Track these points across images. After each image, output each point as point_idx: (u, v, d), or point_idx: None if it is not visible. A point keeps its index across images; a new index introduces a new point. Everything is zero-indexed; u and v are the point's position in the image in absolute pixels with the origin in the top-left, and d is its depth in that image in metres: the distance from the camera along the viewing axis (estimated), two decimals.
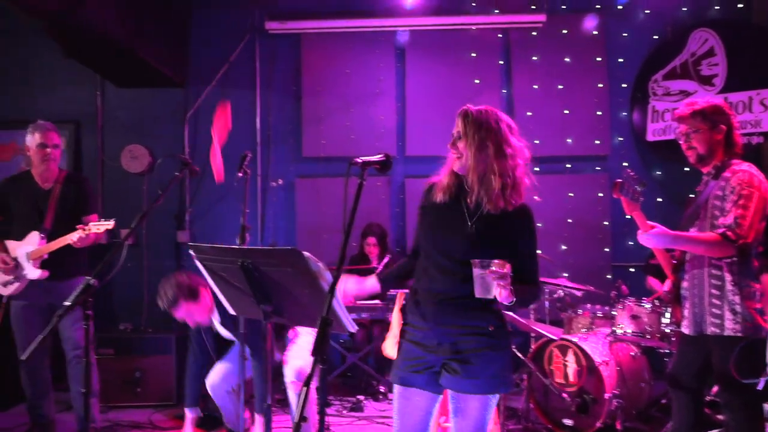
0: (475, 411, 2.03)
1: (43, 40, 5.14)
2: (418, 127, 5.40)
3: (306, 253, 1.79)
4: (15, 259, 3.56)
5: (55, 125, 3.70)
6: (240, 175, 3.30)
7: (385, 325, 4.62)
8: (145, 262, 5.43)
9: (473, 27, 5.38)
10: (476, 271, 1.92)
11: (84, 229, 3.36)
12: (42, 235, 3.53)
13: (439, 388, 2.10)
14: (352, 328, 1.92)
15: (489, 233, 2.04)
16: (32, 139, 3.60)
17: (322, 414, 1.72)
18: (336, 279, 1.73)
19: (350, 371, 5.01)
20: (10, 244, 3.61)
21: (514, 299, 1.92)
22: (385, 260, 4.63)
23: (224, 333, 3.48)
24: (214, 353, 3.58)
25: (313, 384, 1.56)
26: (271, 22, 5.36)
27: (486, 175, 2.05)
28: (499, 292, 1.89)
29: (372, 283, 2.26)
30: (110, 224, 3.37)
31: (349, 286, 2.23)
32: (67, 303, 2.10)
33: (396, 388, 2.15)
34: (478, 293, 1.93)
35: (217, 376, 3.55)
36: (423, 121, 5.38)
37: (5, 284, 3.59)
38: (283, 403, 4.42)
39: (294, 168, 5.54)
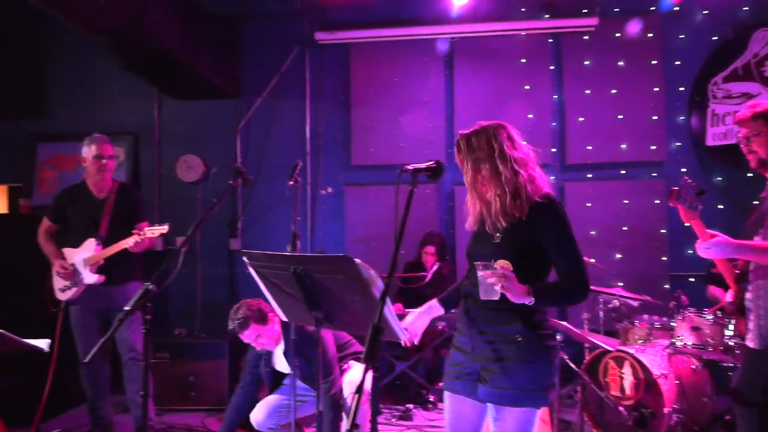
0: (508, 424, 1.99)
1: (104, 56, 5.38)
2: None
3: (357, 260, 1.80)
4: (72, 265, 3.73)
5: (109, 138, 3.87)
6: (291, 183, 3.34)
7: (436, 334, 4.60)
8: (199, 269, 5.57)
9: (522, 33, 5.32)
10: (479, 273, 1.93)
11: (139, 234, 3.49)
12: (98, 241, 3.69)
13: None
14: (403, 336, 1.92)
15: (513, 242, 2.02)
16: (89, 151, 3.77)
17: (374, 421, 1.72)
18: (387, 287, 1.74)
19: (399, 379, 5.00)
20: (67, 251, 3.79)
21: (534, 299, 1.91)
22: (435, 268, 4.61)
23: (282, 365, 3.42)
24: (269, 385, 3.53)
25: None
26: (320, 32, 5.45)
27: (488, 196, 2.06)
28: (507, 294, 1.89)
29: (435, 308, 2.26)
30: (164, 229, 3.50)
31: (417, 325, 2.19)
32: (127, 308, 2.17)
33: (445, 394, 2.18)
34: (482, 295, 1.95)
35: (262, 411, 3.45)
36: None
37: (63, 289, 3.76)
38: None
39: (343, 176, 5.59)
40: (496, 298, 1.92)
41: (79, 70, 5.85)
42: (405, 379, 4.89)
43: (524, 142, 2.15)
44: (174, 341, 4.82)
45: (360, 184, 5.50)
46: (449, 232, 5.35)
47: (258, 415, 3.43)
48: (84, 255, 3.71)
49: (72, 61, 5.85)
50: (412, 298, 4.81)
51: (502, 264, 1.93)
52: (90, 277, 3.68)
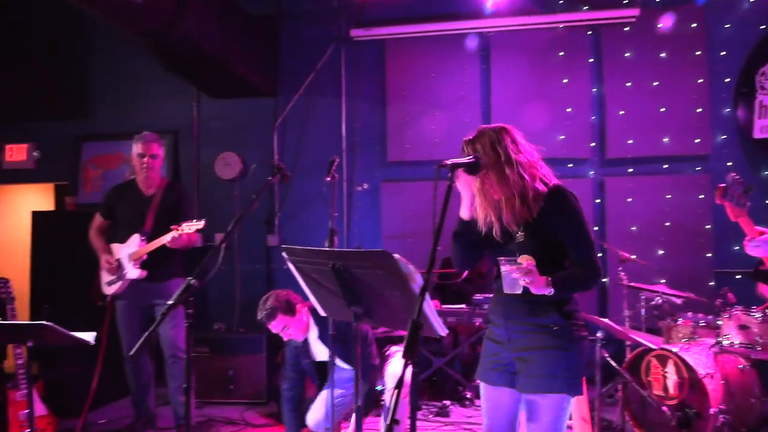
0: (542, 413, 2.02)
1: (144, 58, 5.50)
2: None
3: (396, 255, 1.80)
4: (118, 260, 3.82)
5: (159, 136, 3.95)
6: (328, 179, 3.35)
7: (473, 330, 4.58)
8: (237, 265, 5.66)
9: (560, 25, 5.24)
10: (503, 268, 2.00)
11: (177, 230, 3.55)
12: (142, 237, 3.76)
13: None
14: (443, 331, 1.91)
15: (534, 241, 2.06)
16: (134, 149, 3.87)
17: (413, 417, 1.72)
18: (427, 282, 1.73)
19: (436, 376, 4.99)
20: (115, 246, 3.89)
21: (553, 290, 1.97)
22: None
23: (320, 353, 3.38)
24: (314, 379, 3.48)
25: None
26: (356, 29, 5.46)
27: (497, 201, 2.08)
28: (529, 286, 1.95)
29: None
30: (200, 224, 3.55)
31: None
32: (170, 302, 2.21)
33: (481, 385, 2.22)
34: (505, 289, 2.01)
35: (320, 411, 3.32)
36: (509, 123, 5.27)
37: (109, 283, 3.86)
38: None
39: (379, 172, 5.60)
40: (519, 291, 1.99)
41: (121, 72, 6.01)
42: (442, 376, 4.87)
43: (524, 143, 2.16)
44: (213, 336, 4.90)
45: (396, 180, 5.51)
46: None
47: (316, 415, 3.33)
48: (129, 250, 3.79)
49: (114, 63, 6.01)
50: (449, 295, 4.80)
51: (525, 258, 1.98)
52: (133, 272, 3.76)
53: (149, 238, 3.75)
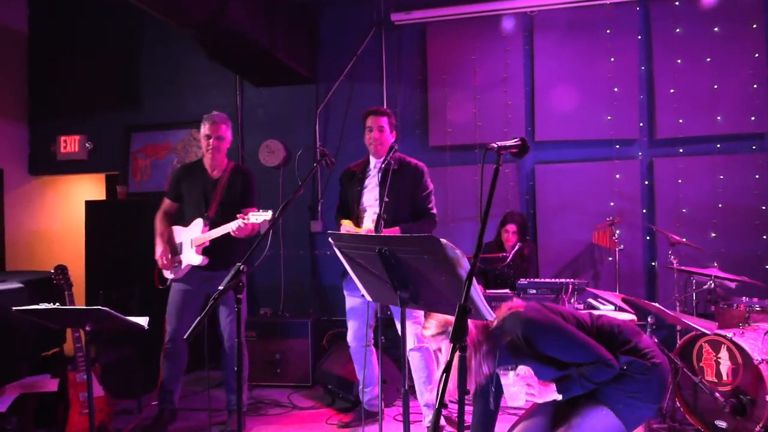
0: None
1: (189, 48, 5.60)
2: (548, 111, 5.20)
3: (443, 240, 1.80)
4: (180, 245, 3.79)
5: (227, 117, 3.85)
6: (383, 165, 3.38)
7: None
8: (282, 251, 5.75)
9: (607, 2, 5.08)
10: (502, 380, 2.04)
11: (243, 219, 3.46)
12: (205, 222, 3.71)
13: None
14: (490, 316, 1.90)
15: None
16: (202, 129, 3.79)
17: (461, 402, 1.72)
18: (473, 267, 1.72)
19: None
20: (177, 229, 3.85)
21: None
22: (516, 248, 4.53)
23: None
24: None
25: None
26: (396, 13, 5.43)
27: None
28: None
29: None
30: (268, 215, 3.41)
31: None
32: (220, 287, 2.26)
33: None
34: (508, 401, 2.07)
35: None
36: (553, 105, 5.18)
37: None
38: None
39: (421, 158, 5.48)
40: (522, 404, 2.00)
41: (168, 63, 6.13)
42: None
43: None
44: (260, 320, 5.00)
45: (438, 165, 5.47)
46: (530, 212, 5.24)
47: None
48: (191, 234, 3.74)
49: (160, 54, 6.14)
50: (492, 279, 4.76)
51: (526, 371, 1.97)
52: (195, 258, 3.69)
53: (212, 224, 3.68)
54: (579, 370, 2.10)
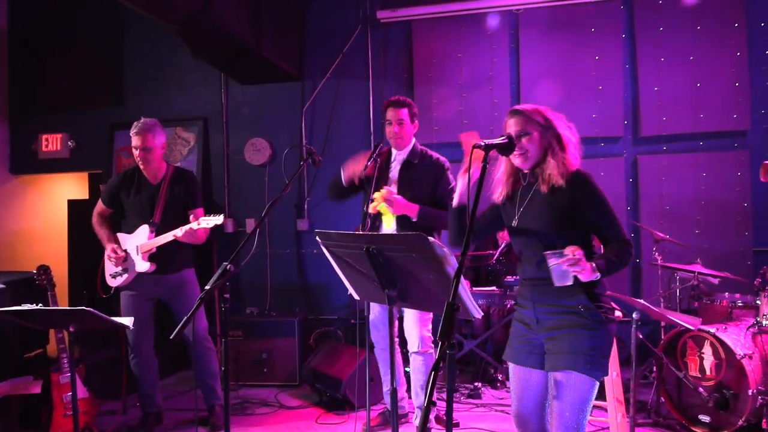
0: (566, 392, 2.05)
1: (174, 45, 5.56)
2: None
3: (431, 238, 1.80)
4: (125, 252, 3.70)
5: (157, 122, 3.73)
6: (370, 163, 3.34)
7: (504, 312, 4.57)
8: (269, 249, 5.73)
9: (592, 0, 5.12)
10: (550, 262, 2.01)
11: (197, 222, 3.41)
12: (151, 228, 3.65)
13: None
14: (478, 314, 1.91)
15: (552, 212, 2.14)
16: (131, 140, 3.68)
17: (449, 400, 1.73)
18: (461, 265, 1.73)
19: (467, 358, 5.00)
20: (122, 236, 3.77)
21: (599, 274, 2.01)
22: (502, 246, 4.55)
23: None
24: None
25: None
26: (382, 11, 5.42)
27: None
28: (579, 276, 1.97)
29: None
30: (219, 220, 3.37)
31: None
32: (207, 287, 2.25)
33: (510, 366, 2.29)
34: (556, 282, 2.02)
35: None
36: (538, 103, 5.18)
37: (114, 276, 3.76)
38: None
39: None
40: (570, 282, 2.00)
41: (152, 60, 6.07)
42: (473, 357, 4.89)
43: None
44: (246, 319, 4.98)
45: None
46: None
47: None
48: (137, 242, 3.67)
49: (144, 51, 6.08)
50: (483, 276, 4.79)
51: (571, 249, 1.97)
52: (142, 265, 3.64)
53: (158, 230, 3.63)
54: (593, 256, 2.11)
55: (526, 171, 2.24)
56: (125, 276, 3.72)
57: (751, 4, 4.91)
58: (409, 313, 3.48)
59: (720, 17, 4.93)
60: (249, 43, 4.69)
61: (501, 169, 2.30)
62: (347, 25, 5.61)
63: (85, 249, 5.15)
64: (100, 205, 3.88)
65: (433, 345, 3.50)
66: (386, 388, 3.60)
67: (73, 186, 6.94)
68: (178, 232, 3.49)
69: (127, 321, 2.86)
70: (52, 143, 6.18)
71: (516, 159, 2.19)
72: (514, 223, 2.23)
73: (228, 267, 2.27)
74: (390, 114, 3.49)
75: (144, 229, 3.69)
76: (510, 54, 5.35)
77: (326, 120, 5.69)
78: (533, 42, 5.28)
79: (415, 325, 3.46)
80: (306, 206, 5.72)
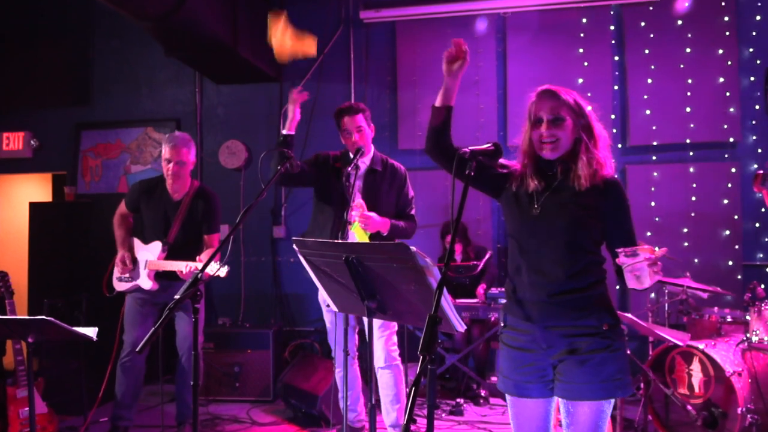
0: (587, 418, 1.94)
1: (146, 43, 5.51)
2: (521, 115, 5.23)
3: (413, 248, 1.80)
4: (134, 261, 3.75)
5: (190, 138, 3.78)
6: (349, 170, 3.32)
7: (487, 326, 4.58)
8: (243, 257, 5.68)
9: (581, 4, 5.19)
10: (628, 261, 1.84)
11: (199, 264, 3.45)
12: (164, 246, 3.69)
13: (552, 393, 2.04)
14: (461, 327, 1.90)
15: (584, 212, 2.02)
16: (163, 151, 3.72)
17: (430, 416, 1.72)
18: (444, 275, 1.73)
19: (449, 373, 5.00)
20: (137, 243, 3.81)
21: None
22: (487, 256, 4.58)
23: None
24: None
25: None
26: (365, 11, 5.45)
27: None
28: (650, 279, 1.83)
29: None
30: (223, 272, 3.39)
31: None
32: (176, 296, 2.22)
33: (510, 399, 2.10)
34: (631, 284, 1.86)
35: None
36: (526, 109, 5.25)
37: (120, 279, 3.80)
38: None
39: None
40: (647, 285, 1.85)
41: (122, 57, 6.01)
42: (455, 373, 4.89)
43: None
44: (219, 331, 4.93)
45: (407, 169, 5.47)
46: (500, 220, 5.29)
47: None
48: (148, 256, 3.73)
49: (114, 47, 6.02)
50: (462, 289, 4.80)
51: (646, 250, 1.84)
52: (145, 282, 3.71)
53: (170, 249, 3.70)
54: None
55: (552, 159, 2.07)
56: (129, 285, 3.77)
57: (741, 12, 5.01)
58: (373, 325, 3.43)
59: (711, 25, 5.03)
60: (226, 42, 4.67)
61: (524, 162, 2.13)
62: (328, 25, 5.62)
63: (47, 255, 5.07)
64: (123, 207, 3.91)
65: (399, 357, 3.49)
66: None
67: (36, 188, 6.83)
68: (184, 269, 3.52)
69: (91, 332, 2.81)
70: (13, 142, 6.08)
71: (544, 149, 2.04)
72: (535, 212, 2.03)
73: (200, 275, 2.24)
74: (346, 123, 3.44)
75: (157, 246, 3.72)
76: (497, 58, 5.40)
77: (305, 123, 5.67)
78: (521, 46, 5.33)
79: (380, 337, 3.43)
80: (283, 212, 5.70)
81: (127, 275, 3.77)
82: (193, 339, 2.35)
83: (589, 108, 2.10)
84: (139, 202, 3.84)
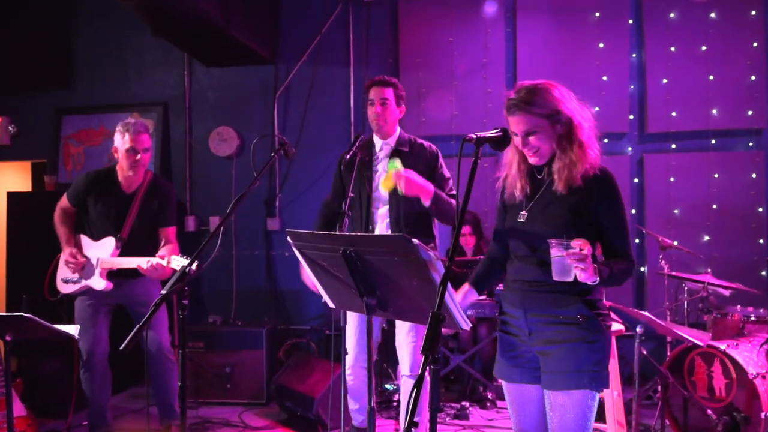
0: (564, 410, 2.06)
1: (132, 23, 5.48)
2: None
3: (415, 240, 1.79)
4: (85, 259, 3.64)
5: (145, 123, 3.74)
6: (347, 157, 3.27)
7: (494, 325, 4.57)
8: (235, 251, 5.68)
9: None
10: (553, 253, 1.98)
11: (162, 259, 3.40)
12: (117, 243, 3.61)
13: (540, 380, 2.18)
14: (466, 325, 1.91)
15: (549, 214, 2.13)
16: (122, 141, 3.59)
17: (433, 420, 1.72)
18: (448, 270, 1.72)
19: (454, 374, 5.01)
20: (85, 241, 3.70)
21: (598, 279, 1.97)
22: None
23: None
24: None
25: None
26: None
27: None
28: (579, 274, 1.94)
29: (471, 294, 2.38)
30: (192, 268, 3.36)
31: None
32: (163, 292, 2.21)
33: (503, 384, 2.28)
34: (556, 276, 2.00)
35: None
36: None
37: (66, 281, 3.69)
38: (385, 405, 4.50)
39: None
40: (571, 279, 1.98)
41: (105, 37, 5.99)
42: (460, 374, 4.89)
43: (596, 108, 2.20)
44: (209, 329, 4.92)
45: None
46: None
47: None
48: (99, 254, 3.62)
49: (98, 27, 6.00)
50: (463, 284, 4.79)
51: (579, 243, 1.93)
52: (98, 282, 3.61)
53: (125, 247, 3.62)
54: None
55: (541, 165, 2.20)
56: (77, 286, 3.66)
57: None
58: (401, 329, 3.35)
59: (735, 5, 5.00)
60: (216, 22, 4.64)
61: (513, 165, 2.25)
62: (327, 4, 5.59)
63: (26, 248, 5.06)
64: (64, 200, 3.78)
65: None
66: (355, 406, 3.55)
67: (14, 176, 6.82)
68: (143, 264, 3.45)
69: (73, 329, 2.81)
70: None
71: (530, 159, 2.18)
72: (521, 219, 2.18)
73: (188, 269, 2.23)
74: (372, 93, 3.35)
75: (109, 242, 3.63)
76: (506, 39, 5.37)
77: (301, 108, 5.66)
78: (532, 27, 5.30)
79: (408, 343, 3.32)
80: (277, 203, 5.69)
81: (75, 276, 3.66)
82: (181, 339, 2.35)
83: (566, 97, 2.26)
84: (87, 195, 3.71)
